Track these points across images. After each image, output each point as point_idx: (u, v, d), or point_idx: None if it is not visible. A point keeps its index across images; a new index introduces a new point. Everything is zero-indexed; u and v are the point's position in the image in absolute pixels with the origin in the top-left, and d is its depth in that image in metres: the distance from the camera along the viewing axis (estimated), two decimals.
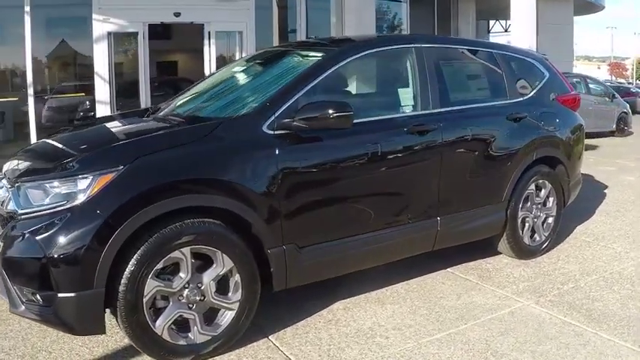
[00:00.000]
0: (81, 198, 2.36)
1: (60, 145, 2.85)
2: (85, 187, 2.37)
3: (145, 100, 8.43)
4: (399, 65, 3.36)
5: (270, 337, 2.88)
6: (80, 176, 2.39)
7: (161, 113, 3.36)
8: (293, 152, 2.77)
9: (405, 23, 11.67)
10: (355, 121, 2.95)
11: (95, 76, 7.80)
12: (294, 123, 2.76)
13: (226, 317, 2.67)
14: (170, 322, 2.53)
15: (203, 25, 8.81)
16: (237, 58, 8.75)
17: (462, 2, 14.78)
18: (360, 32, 9.54)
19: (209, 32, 8.86)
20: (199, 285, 2.58)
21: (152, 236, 2.43)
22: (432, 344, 2.78)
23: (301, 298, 3.30)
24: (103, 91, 8.06)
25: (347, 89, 3.31)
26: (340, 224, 2.99)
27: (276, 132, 2.75)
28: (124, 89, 8.52)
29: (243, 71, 3.56)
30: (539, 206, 4.05)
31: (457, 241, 3.62)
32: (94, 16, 7.76)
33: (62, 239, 2.31)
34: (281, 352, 2.71)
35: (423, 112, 3.29)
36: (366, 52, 3.27)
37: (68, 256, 2.30)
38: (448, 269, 3.85)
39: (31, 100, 7.21)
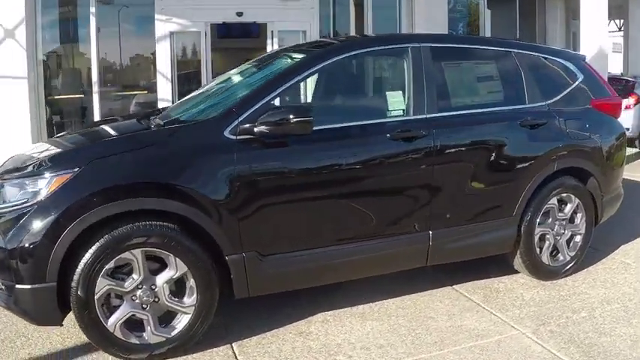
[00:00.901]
0: (40, 196, 2.47)
1: (48, 146, 3.02)
2: (43, 187, 2.48)
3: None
4: (392, 67, 3.15)
5: (233, 344, 2.83)
6: (41, 176, 2.51)
7: (159, 116, 3.43)
8: (253, 158, 2.69)
9: (483, 22, 10.99)
10: (330, 126, 2.83)
11: (158, 74, 8.21)
12: (256, 128, 2.67)
13: (182, 321, 2.66)
14: (122, 321, 2.57)
15: (266, 24, 8.93)
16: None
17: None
18: (430, 32, 9.17)
19: (272, 32, 8.96)
20: (153, 287, 2.60)
21: (103, 236, 2.49)
22: None
23: (282, 305, 3.23)
24: (165, 89, 8.46)
25: (323, 93, 3.17)
26: (310, 234, 2.86)
27: (238, 137, 2.69)
28: (188, 89, 8.90)
29: (238, 74, 3.53)
30: (564, 223, 3.61)
31: (457, 257, 3.33)
32: (157, 16, 8.10)
33: (21, 234, 2.43)
34: None
35: (413, 117, 3.04)
36: (348, 55, 3.08)
37: (24, 250, 2.42)
38: (455, 286, 3.55)
39: (96, 98, 7.78)
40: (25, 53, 6.74)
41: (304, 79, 2.90)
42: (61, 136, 3.40)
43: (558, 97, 3.60)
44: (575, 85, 3.71)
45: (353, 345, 2.82)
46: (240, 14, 8.61)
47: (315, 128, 2.73)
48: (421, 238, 3.09)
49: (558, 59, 3.73)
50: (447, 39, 3.94)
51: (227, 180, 2.63)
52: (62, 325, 2.66)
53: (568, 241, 3.66)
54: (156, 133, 2.81)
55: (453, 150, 3.14)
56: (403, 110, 3.07)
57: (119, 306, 2.59)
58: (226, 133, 2.69)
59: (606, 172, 3.71)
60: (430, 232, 3.11)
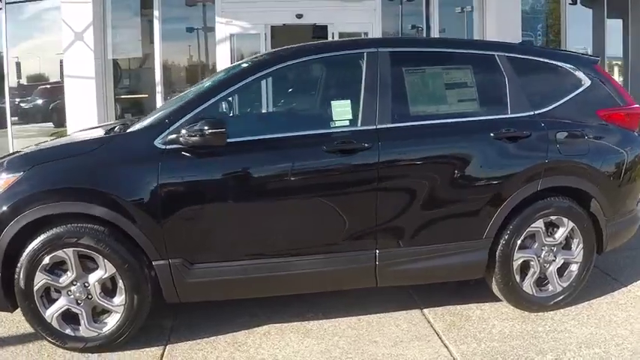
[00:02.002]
0: None
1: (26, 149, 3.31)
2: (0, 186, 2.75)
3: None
4: (345, 74, 2.99)
5: (167, 347, 2.90)
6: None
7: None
8: (178, 168, 2.73)
9: (564, 23, 9.98)
10: (259, 137, 2.79)
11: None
12: (182, 139, 2.71)
13: (112, 319, 2.79)
14: (58, 313, 2.75)
15: (327, 26, 8.91)
16: None
17: None
18: (502, 33, 8.58)
19: (333, 33, 8.93)
20: (86, 284, 2.75)
21: (40, 235, 2.70)
22: None
23: (239, 312, 3.24)
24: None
25: (260, 103, 3.09)
26: (240, 246, 2.83)
27: (167, 147, 2.75)
28: None
29: (208, 81, 3.55)
30: (554, 249, 3.19)
31: (414, 280, 3.10)
32: (217, 18, 8.41)
33: None
34: None
35: (356, 128, 2.87)
36: (293, 63, 2.97)
37: None
38: (425, 309, 3.31)
39: (159, 98, 8.34)
40: (92, 54, 7.40)
41: (240, 88, 2.86)
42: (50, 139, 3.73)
43: (552, 107, 3.18)
44: (577, 92, 3.25)
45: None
46: (300, 16, 8.66)
47: (244, 139, 2.72)
48: (366, 257, 2.91)
49: (558, 63, 3.28)
50: (411, 43, 3.62)
51: (151, 188, 2.70)
52: (12, 312, 2.93)
53: (561, 270, 3.24)
54: (89, 142, 2.97)
55: (401, 164, 2.91)
56: (350, 121, 2.91)
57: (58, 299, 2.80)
58: (156, 143, 2.76)
59: (612, 192, 3.22)
60: (377, 252, 2.93)
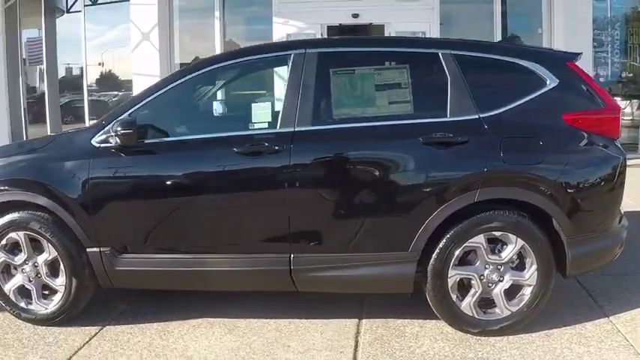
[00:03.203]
0: None
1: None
2: None
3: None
4: (271, 76, 2.97)
5: (104, 328, 3.14)
6: None
7: None
8: (104, 165, 2.96)
9: None
10: (177, 138, 2.94)
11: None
12: (110, 138, 2.92)
13: (57, 297, 3.11)
14: (15, 288, 3.13)
15: (383, 25, 8.79)
16: None
17: None
18: (570, 37, 7.81)
19: (389, 33, 8.77)
20: (36, 264, 3.10)
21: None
22: None
23: (182, 304, 3.39)
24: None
25: (189, 105, 3.15)
26: (160, 241, 2.98)
27: (100, 145, 2.98)
28: None
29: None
30: (500, 268, 2.88)
31: (333, 288, 3.01)
32: (274, 18, 8.64)
33: None
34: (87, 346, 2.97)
35: (270, 130, 2.86)
36: (219, 66, 3.03)
37: None
38: (363, 319, 3.19)
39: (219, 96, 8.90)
40: (157, 54, 8.11)
41: (168, 91, 2.98)
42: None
43: (503, 110, 2.86)
44: (537, 93, 2.88)
45: (183, 352, 2.86)
46: (356, 16, 8.65)
47: (162, 140, 2.90)
48: (280, 261, 2.89)
49: (518, 61, 2.93)
50: (343, 43, 3.39)
51: (82, 182, 2.95)
52: None
53: (512, 292, 2.91)
54: (43, 138, 3.32)
55: (314, 168, 2.83)
56: (269, 123, 2.90)
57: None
58: (93, 141, 3.01)
59: (576, 208, 2.82)
60: (292, 256, 2.89)
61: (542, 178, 2.79)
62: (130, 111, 3.01)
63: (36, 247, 3.12)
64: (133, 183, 2.99)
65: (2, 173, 3.15)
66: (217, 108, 3.14)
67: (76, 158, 3.02)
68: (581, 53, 3.12)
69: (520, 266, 2.90)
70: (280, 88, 2.92)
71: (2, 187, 3.10)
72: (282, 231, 2.87)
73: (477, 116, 2.84)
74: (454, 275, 2.87)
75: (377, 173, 2.83)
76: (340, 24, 8.79)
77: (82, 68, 9.50)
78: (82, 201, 2.98)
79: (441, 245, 2.83)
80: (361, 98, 3.01)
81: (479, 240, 2.83)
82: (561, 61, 2.97)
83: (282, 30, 8.62)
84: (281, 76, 2.92)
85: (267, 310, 3.31)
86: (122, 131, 2.83)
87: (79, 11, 9.18)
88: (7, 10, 9.25)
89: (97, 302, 3.38)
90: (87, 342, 2.99)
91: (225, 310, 3.32)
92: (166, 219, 2.97)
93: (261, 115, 2.91)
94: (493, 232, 2.83)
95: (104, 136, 2.98)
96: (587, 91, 2.92)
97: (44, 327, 3.16)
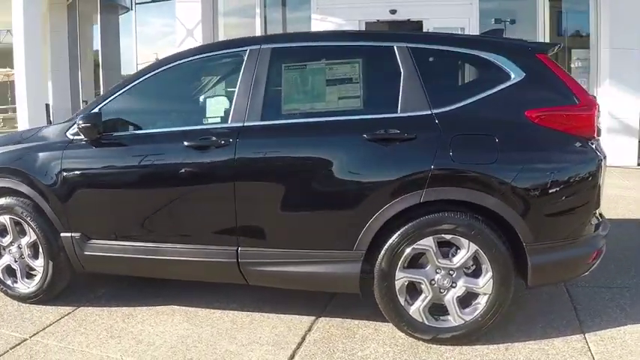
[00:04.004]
0: None
1: None
2: None
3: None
4: (228, 73, 2.97)
5: (78, 309, 3.33)
6: None
7: None
8: (73, 156, 3.13)
9: None
10: (136, 132, 3.08)
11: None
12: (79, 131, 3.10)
13: (37, 278, 3.34)
14: (3, 267, 3.39)
15: (421, 21, 8.57)
16: None
17: None
18: (616, 28, 7.21)
19: (428, 29, 8.53)
20: (20, 246, 3.35)
21: None
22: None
23: (156, 291, 3.53)
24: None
25: (151, 101, 3.20)
26: (120, 228, 3.11)
27: (74, 137, 3.16)
28: None
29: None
30: (452, 274, 2.72)
31: (280, 283, 3.00)
32: (313, 15, 8.72)
33: None
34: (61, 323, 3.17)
35: (219, 125, 2.89)
36: (179, 63, 3.08)
37: None
38: (320, 317, 3.15)
39: None
40: None
41: (134, 87, 3.11)
42: None
43: (459, 105, 2.69)
44: (499, 88, 2.68)
45: (136, 335, 2.97)
46: (394, 12, 8.53)
47: (124, 133, 3.06)
48: (228, 254, 2.92)
49: (480, 54, 2.73)
50: (296, 38, 3.33)
51: (56, 172, 3.14)
52: None
53: (467, 300, 2.73)
54: (29, 130, 3.54)
55: (259, 163, 2.83)
56: (221, 118, 2.92)
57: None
58: (67, 134, 3.20)
59: (538, 213, 2.62)
60: (238, 250, 2.90)
61: (496, 180, 2.60)
62: (100, 105, 3.16)
63: (21, 231, 3.38)
64: (96, 173, 3.15)
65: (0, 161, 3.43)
66: (177, 103, 3.22)
67: (53, 149, 3.22)
68: (559, 44, 2.86)
69: (476, 273, 2.73)
70: (234, 83, 2.93)
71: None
72: (230, 224, 2.90)
73: (429, 112, 2.70)
74: (402, 278, 2.75)
75: (319, 170, 2.77)
76: (378, 20, 8.70)
77: (135, 63, 10.05)
78: (56, 189, 3.18)
79: (387, 246, 2.73)
80: (311, 93, 2.96)
81: (428, 243, 2.70)
82: (529, 54, 2.74)
83: (320, 26, 8.66)
84: (238, 71, 2.93)
85: (231, 302, 3.37)
86: (82, 125, 2.99)
87: (129, 9, 9.72)
88: (69, 6, 10.03)
89: (81, 285, 3.62)
90: (57, 320, 3.20)
91: (193, 299, 3.41)
92: (125, 208, 3.11)
93: (215, 110, 2.96)
94: (443, 235, 2.68)
95: (76, 129, 3.16)
96: (558, 86, 2.67)
97: (27, 305, 3.42)
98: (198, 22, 8.64)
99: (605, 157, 2.81)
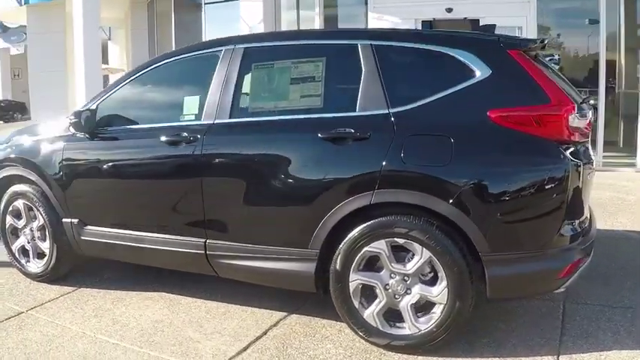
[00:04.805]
0: None
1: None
2: None
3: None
4: (206, 72, 3.04)
5: (77, 290, 3.60)
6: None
7: None
8: (70, 148, 3.39)
9: None
10: (122, 127, 3.28)
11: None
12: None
13: (45, 258, 3.66)
14: (18, 247, 3.75)
15: (478, 20, 8.22)
16: None
17: None
18: None
19: None
20: (32, 229, 3.69)
21: (8, 189, 3.74)
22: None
23: (152, 279, 3.71)
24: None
25: (137, 99, 3.34)
26: (109, 216, 3.32)
27: (73, 131, 3.40)
28: None
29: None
30: (407, 280, 2.61)
31: (247, 277, 3.04)
32: (370, 14, 8.70)
33: None
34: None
35: (190, 122, 3.00)
36: (163, 63, 3.23)
37: None
38: (293, 314, 3.17)
39: None
40: None
41: (124, 86, 3.34)
42: None
43: (417, 104, 2.57)
44: (463, 86, 2.52)
45: (115, 317, 3.17)
46: (450, 10, 8.33)
47: (113, 128, 3.27)
48: (197, 245, 3.02)
49: (446, 50, 2.58)
50: (265, 38, 3.31)
51: (57, 162, 3.43)
52: None
53: (421, 309, 2.62)
54: (36, 125, 3.85)
55: (222, 159, 2.90)
56: (195, 115, 3.03)
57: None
58: (70, 128, 3.45)
59: (493, 222, 2.47)
60: (206, 242, 2.99)
61: (448, 183, 2.45)
62: (96, 102, 3.40)
63: (33, 215, 3.72)
64: (89, 165, 3.39)
65: (17, 151, 3.78)
66: (161, 101, 3.38)
67: (56, 141, 3.51)
68: (544, 39, 2.62)
69: (433, 281, 2.60)
70: (207, 82, 3.03)
71: (14, 164, 3.73)
72: (199, 217, 3.01)
73: (386, 111, 2.61)
74: (355, 280, 2.69)
75: (277, 167, 2.78)
76: (434, 18, 8.52)
77: None
78: (58, 178, 3.46)
79: (340, 246, 2.68)
80: (277, 92, 2.97)
81: (380, 246, 2.61)
82: (500, 50, 2.54)
83: (377, 25, 8.62)
84: (214, 71, 3.03)
85: (216, 293, 3.47)
86: (72, 120, 3.23)
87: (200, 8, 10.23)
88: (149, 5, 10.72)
89: (91, 269, 3.91)
90: (56, 298, 3.49)
91: (184, 288, 3.55)
92: (113, 198, 3.34)
93: (190, 108, 3.07)
94: (395, 239, 2.58)
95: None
96: (528, 84, 2.46)
97: (37, 283, 3.75)
98: (261, 20, 8.91)
99: (587, 163, 2.56)
